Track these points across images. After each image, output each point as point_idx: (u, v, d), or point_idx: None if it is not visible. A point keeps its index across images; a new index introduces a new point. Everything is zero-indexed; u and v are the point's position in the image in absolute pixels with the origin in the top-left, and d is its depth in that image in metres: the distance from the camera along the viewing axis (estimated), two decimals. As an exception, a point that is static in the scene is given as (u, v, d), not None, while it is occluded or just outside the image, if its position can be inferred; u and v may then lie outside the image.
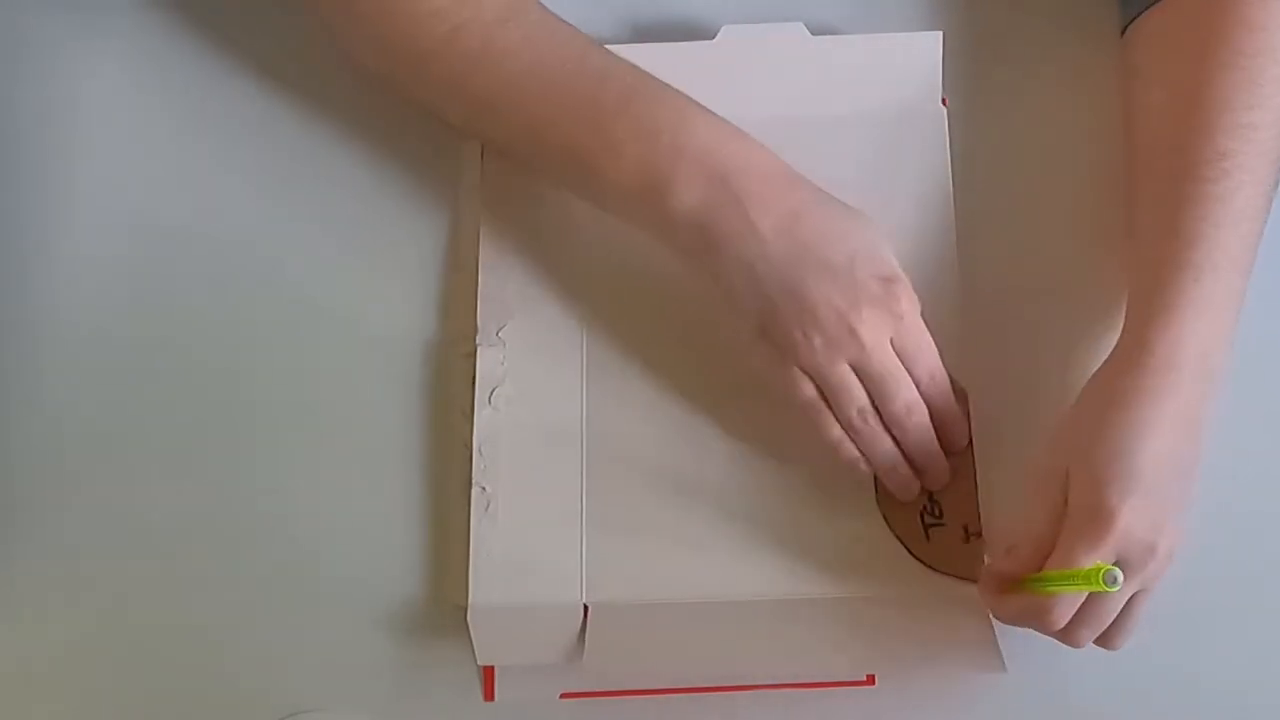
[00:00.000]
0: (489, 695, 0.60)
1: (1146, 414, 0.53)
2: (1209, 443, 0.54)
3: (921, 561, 0.59)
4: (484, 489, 0.61)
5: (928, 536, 0.59)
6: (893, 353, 0.56)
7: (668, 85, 0.59)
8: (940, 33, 0.65)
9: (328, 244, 0.66)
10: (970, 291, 0.62)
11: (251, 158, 0.67)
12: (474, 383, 0.62)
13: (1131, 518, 0.51)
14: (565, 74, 0.59)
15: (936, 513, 0.60)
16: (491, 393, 0.62)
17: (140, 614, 0.61)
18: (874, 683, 0.59)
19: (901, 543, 0.59)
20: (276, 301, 0.65)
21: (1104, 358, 0.58)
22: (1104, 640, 0.54)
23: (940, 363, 0.58)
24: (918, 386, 0.57)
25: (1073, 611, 0.52)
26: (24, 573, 0.61)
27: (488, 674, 0.60)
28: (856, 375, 0.56)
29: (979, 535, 0.59)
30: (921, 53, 0.65)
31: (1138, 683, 0.58)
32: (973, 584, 0.57)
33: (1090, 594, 0.52)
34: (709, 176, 0.56)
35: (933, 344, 0.57)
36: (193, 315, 0.65)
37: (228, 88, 0.68)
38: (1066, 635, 0.53)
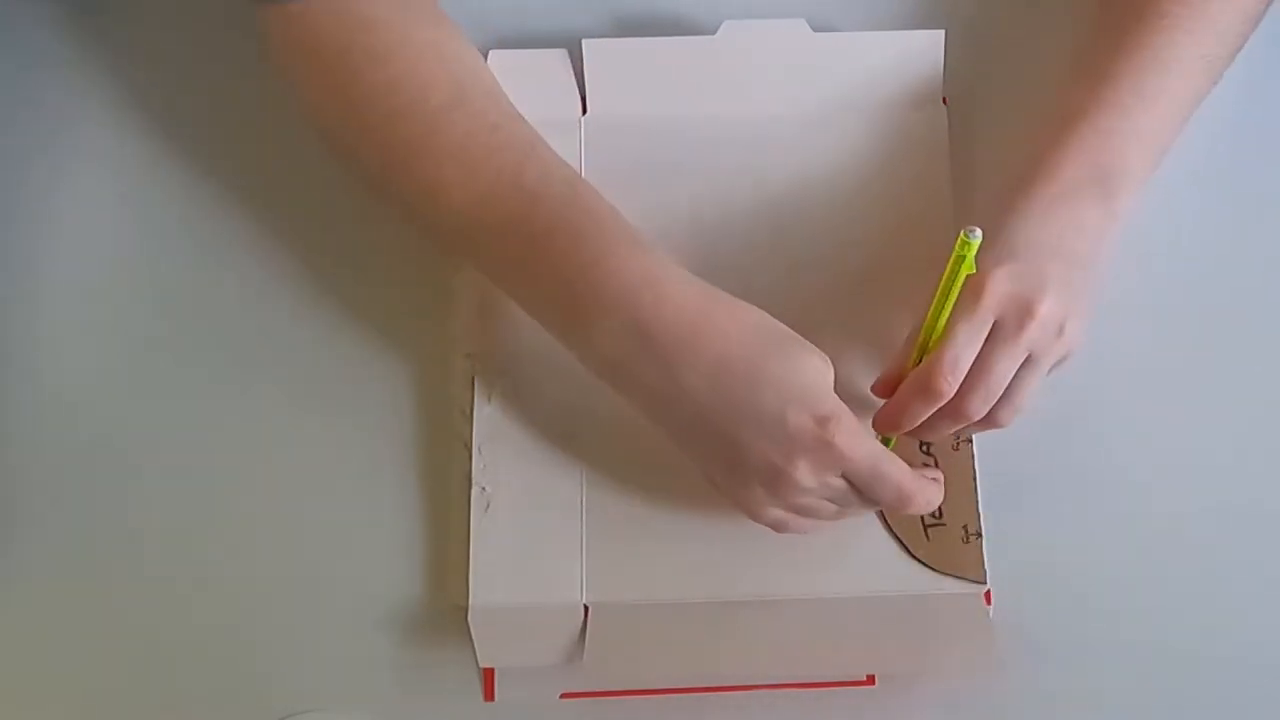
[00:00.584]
0: (489, 695, 0.60)
1: (1022, 204, 0.56)
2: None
3: (921, 562, 0.59)
4: (484, 489, 0.60)
5: (928, 537, 0.60)
6: (843, 483, 0.54)
7: (598, 209, 0.57)
8: (942, 31, 0.65)
9: (327, 244, 0.65)
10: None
11: (249, 158, 0.66)
12: (474, 382, 0.62)
13: (1004, 281, 0.54)
14: (499, 187, 0.56)
15: (937, 513, 0.60)
16: (492, 392, 0.62)
17: (140, 614, 0.60)
18: (874, 683, 0.59)
19: (901, 543, 0.60)
20: (276, 303, 0.64)
21: (1103, 354, 0.59)
22: (993, 415, 0.55)
23: (904, 482, 0.54)
24: (884, 501, 0.55)
25: (956, 367, 0.53)
26: (24, 573, 0.61)
27: (488, 674, 0.60)
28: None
29: (979, 535, 0.60)
30: (923, 51, 0.65)
31: (1136, 681, 0.59)
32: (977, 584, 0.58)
33: (980, 357, 0.54)
34: (627, 329, 0.54)
35: (888, 467, 0.54)
36: (192, 317, 0.64)
37: (225, 94, 0.68)
38: (958, 404, 0.54)
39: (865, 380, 0.59)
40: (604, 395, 0.60)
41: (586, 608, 0.58)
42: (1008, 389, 0.55)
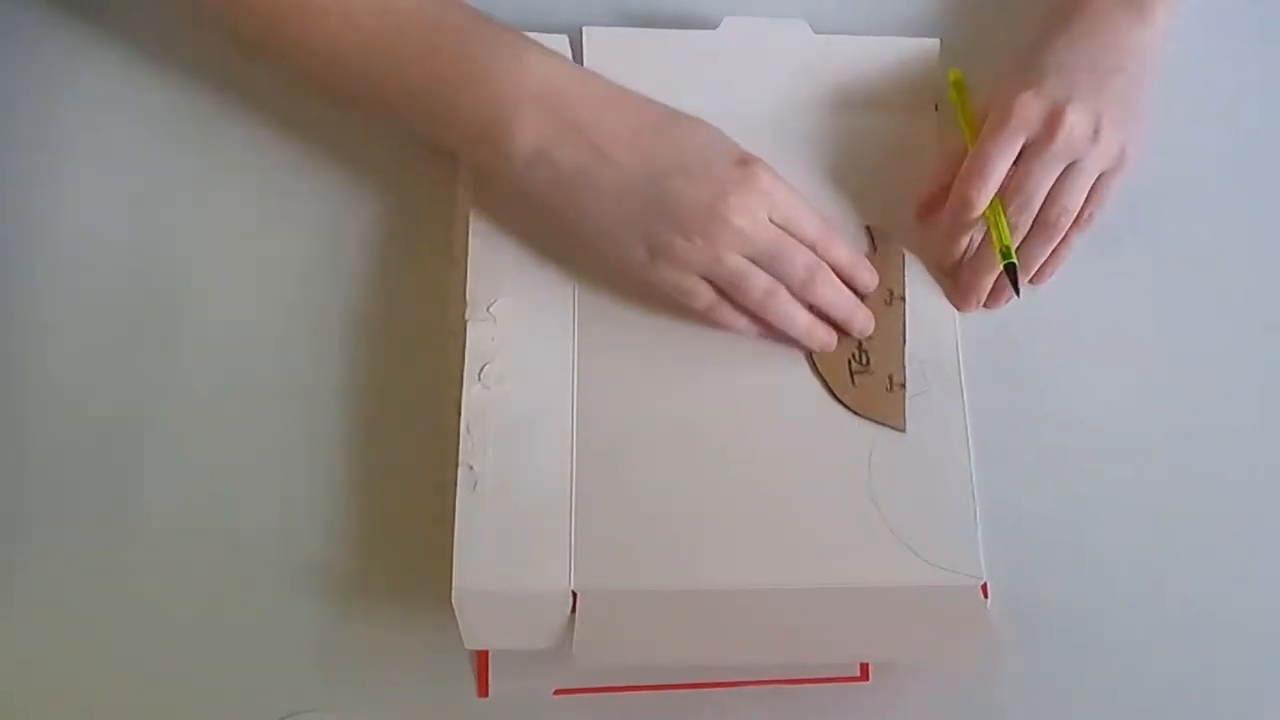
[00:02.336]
0: (483, 692, 0.57)
1: (1052, 35, 0.59)
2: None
3: (845, 406, 0.60)
4: (471, 468, 0.58)
5: (854, 383, 0.61)
6: (773, 227, 0.58)
7: (503, 26, 0.60)
8: (938, 40, 0.67)
9: (317, 231, 0.64)
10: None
11: (242, 146, 0.65)
12: (463, 364, 0.59)
13: (1031, 100, 0.57)
14: (406, 23, 0.59)
15: (864, 361, 0.61)
16: (481, 369, 0.60)
17: (139, 614, 0.58)
18: (868, 677, 0.58)
19: (827, 387, 0.60)
20: (263, 291, 0.63)
21: (1098, 358, 0.61)
22: (1053, 225, 0.60)
23: (822, 219, 0.59)
24: (812, 240, 0.59)
25: (984, 175, 0.58)
26: (23, 573, 0.58)
27: (481, 670, 0.57)
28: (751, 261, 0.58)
29: (903, 386, 0.61)
30: (918, 58, 0.67)
31: (1135, 675, 0.59)
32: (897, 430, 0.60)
33: (1014, 171, 0.59)
34: (547, 113, 0.57)
35: (808, 204, 0.59)
36: (185, 307, 0.62)
37: (214, 80, 0.66)
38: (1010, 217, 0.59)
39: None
40: (596, 375, 0.60)
41: (575, 594, 0.56)
42: (1058, 194, 0.59)
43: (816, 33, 0.66)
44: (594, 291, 0.62)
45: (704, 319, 0.60)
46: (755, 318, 0.60)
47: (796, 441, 0.60)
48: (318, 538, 0.59)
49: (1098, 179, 0.60)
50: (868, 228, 0.64)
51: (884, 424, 0.60)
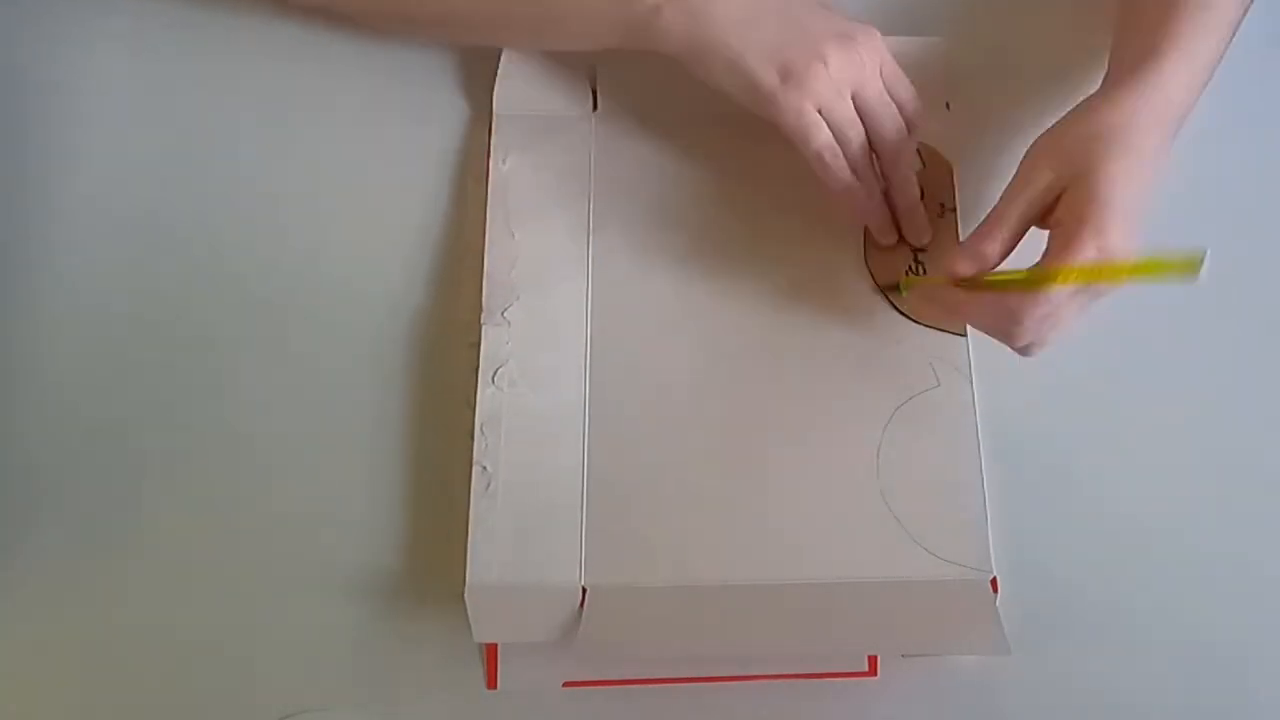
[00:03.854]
0: (491, 684, 0.58)
1: (1124, 165, 0.56)
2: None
3: (902, 313, 0.62)
4: (485, 468, 0.60)
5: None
6: (881, 81, 0.62)
7: None
8: (941, 39, 0.67)
9: (330, 229, 0.65)
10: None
11: (255, 146, 0.67)
12: (477, 366, 0.61)
13: (1111, 242, 0.55)
14: None
15: (920, 271, 0.63)
16: (495, 372, 0.61)
17: (139, 614, 0.59)
18: (875, 672, 0.58)
19: (884, 295, 0.63)
20: (276, 290, 0.64)
21: (1110, 348, 0.61)
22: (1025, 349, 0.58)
23: (915, 94, 0.63)
24: (903, 110, 0.62)
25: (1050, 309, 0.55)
26: (23, 573, 0.60)
27: (490, 662, 0.59)
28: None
29: None
30: (926, 57, 0.67)
31: (1146, 671, 0.58)
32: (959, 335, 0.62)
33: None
34: None
35: (903, 75, 0.63)
36: (193, 303, 0.64)
37: (224, 79, 0.68)
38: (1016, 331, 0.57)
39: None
40: (607, 378, 0.61)
41: (585, 589, 0.58)
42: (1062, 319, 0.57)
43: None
44: (606, 295, 0.63)
45: (813, 164, 0.61)
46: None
47: (807, 437, 0.61)
48: (325, 534, 0.60)
49: None
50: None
51: (942, 330, 0.62)
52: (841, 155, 0.61)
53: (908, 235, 0.64)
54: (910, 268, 0.63)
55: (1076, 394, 0.62)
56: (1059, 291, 0.55)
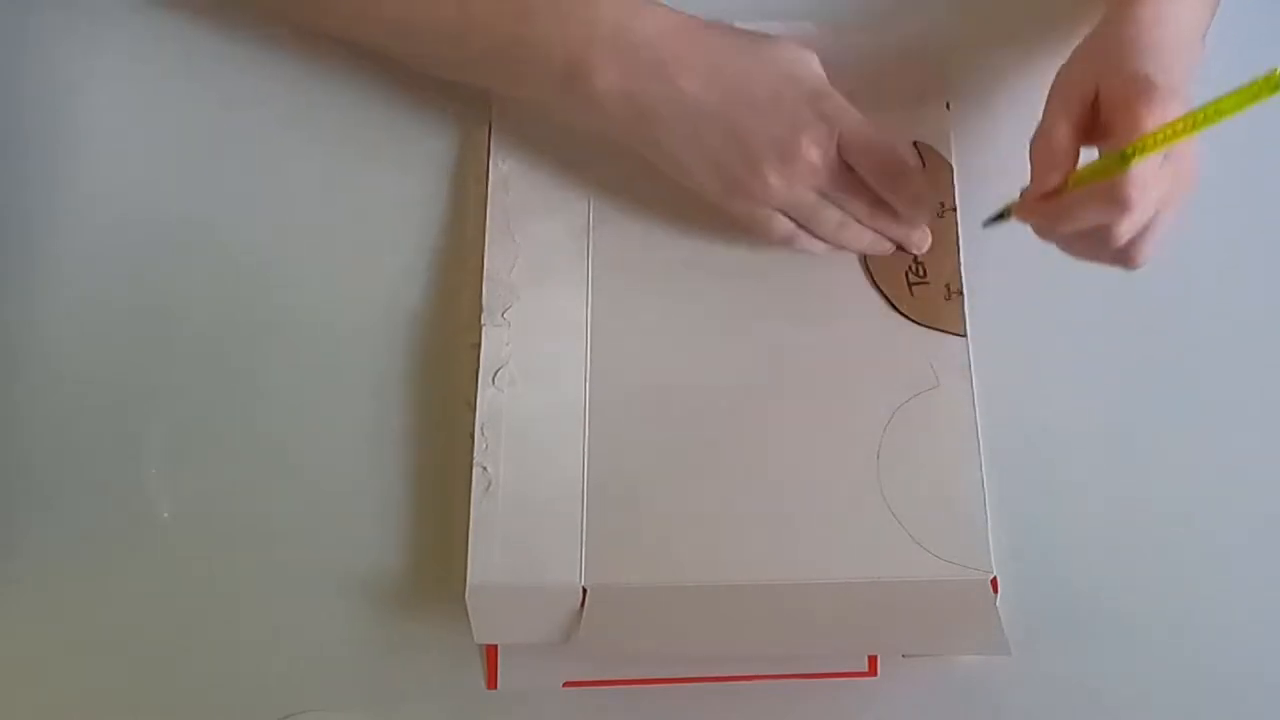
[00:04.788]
0: (491, 684, 0.59)
1: (1159, 35, 0.56)
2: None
3: (905, 316, 0.62)
4: (485, 469, 0.60)
5: (912, 293, 0.63)
6: (841, 163, 0.59)
7: None
8: (945, 39, 0.67)
9: (330, 229, 0.65)
10: (975, 295, 0.63)
11: (255, 146, 0.67)
12: (478, 370, 0.61)
13: (1153, 116, 0.51)
14: None
15: (921, 272, 0.63)
16: (495, 374, 0.61)
17: (139, 613, 0.59)
18: (875, 671, 0.58)
19: (886, 299, 0.63)
20: (278, 291, 0.64)
21: (1109, 352, 0.61)
22: (1134, 247, 0.54)
23: (891, 145, 0.60)
24: (875, 178, 0.60)
25: (1147, 187, 0.51)
26: (23, 573, 0.60)
27: (490, 662, 0.59)
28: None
29: (959, 293, 0.62)
30: (928, 57, 0.67)
31: (1146, 671, 0.58)
32: (956, 336, 0.62)
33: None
34: (624, 50, 0.58)
35: (874, 133, 0.59)
36: (192, 306, 0.64)
37: (225, 77, 0.68)
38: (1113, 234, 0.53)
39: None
40: (608, 379, 0.61)
41: (585, 589, 0.58)
42: (1152, 224, 0.54)
43: (823, 34, 0.67)
44: (607, 296, 0.63)
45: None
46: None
47: (807, 436, 0.61)
48: (325, 534, 0.60)
49: None
50: (915, 143, 0.65)
51: (944, 331, 0.62)
52: (804, 236, 0.61)
53: (909, 249, 0.63)
54: (911, 268, 0.63)
55: (1076, 394, 0.62)
56: (1150, 164, 0.51)
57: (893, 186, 0.60)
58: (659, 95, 0.59)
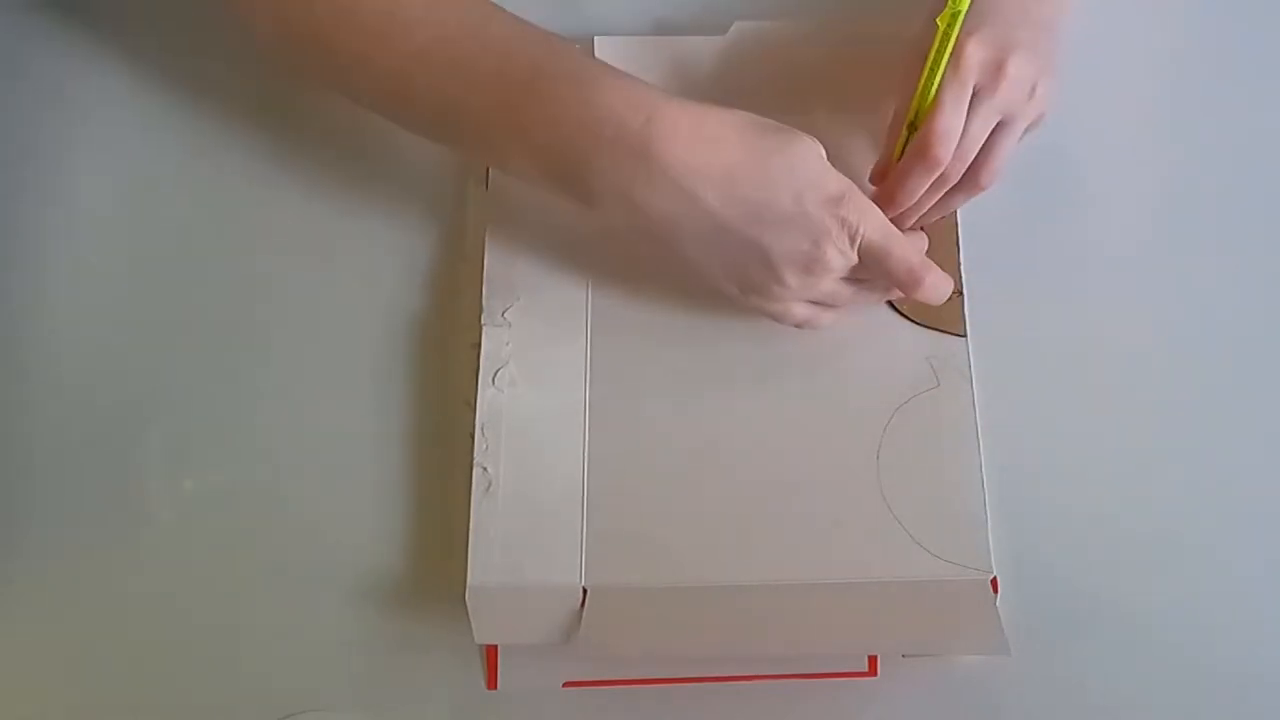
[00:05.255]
0: (491, 684, 0.59)
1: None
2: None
3: (905, 316, 0.62)
4: (485, 469, 0.60)
5: None
6: (857, 259, 0.57)
7: (569, 49, 0.58)
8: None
9: (331, 230, 0.66)
10: (975, 295, 0.63)
11: (256, 145, 0.67)
12: (478, 370, 0.61)
13: (977, 46, 0.56)
14: (471, 49, 0.57)
15: None
16: (495, 373, 0.61)
17: (139, 613, 0.59)
18: (875, 672, 0.58)
19: (887, 301, 0.63)
20: (278, 291, 0.65)
21: (1109, 352, 0.60)
22: (973, 177, 0.58)
23: (907, 247, 0.57)
24: (894, 282, 0.58)
25: (949, 133, 0.55)
26: (23, 573, 0.60)
27: (490, 662, 0.59)
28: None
29: (959, 293, 0.62)
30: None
31: (1146, 671, 0.58)
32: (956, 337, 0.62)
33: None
34: (629, 154, 0.54)
35: (895, 236, 0.56)
36: (193, 307, 0.64)
37: (226, 76, 0.68)
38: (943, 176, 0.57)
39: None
40: (608, 378, 0.61)
41: (585, 590, 0.58)
42: (986, 151, 0.58)
43: (824, 34, 0.67)
44: (607, 296, 0.63)
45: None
46: None
47: (807, 438, 0.61)
48: (326, 535, 0.60)
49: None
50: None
51: (944, 331, 0.62)
52: (820, 315, 0.60)
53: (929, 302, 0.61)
54: None
55: (1076, 394, 0.62)
56: (945, 115, 0.55)
57: (912, 287, 0.58)
58: (669, 204, 0.55)
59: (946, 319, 0.62)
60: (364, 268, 0.65)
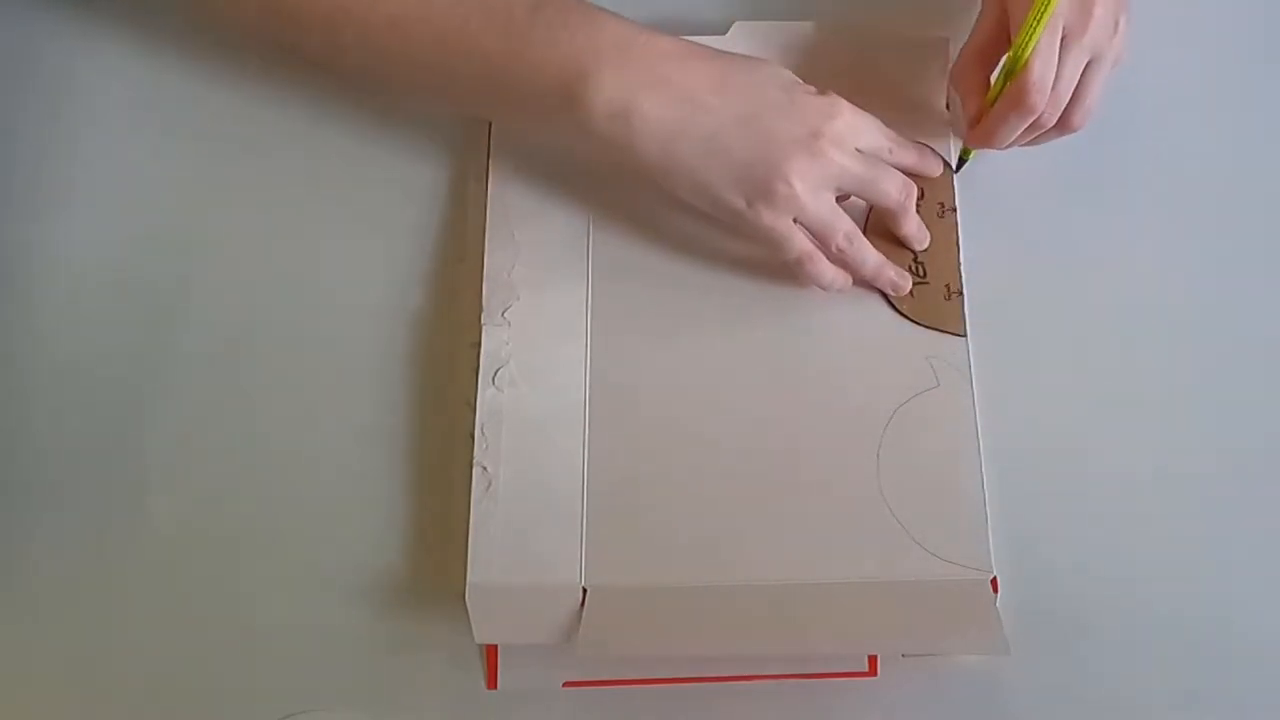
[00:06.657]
0: (491, 683, 0.59)
1: None
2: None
3: (905, 316, 0.62)
4: (485, 469, 0.60)
5: (912, 293, 0.63)
6: (863, 155, 0.60)
7: None
8: (946, 38, 0.67)
9: (331, 229, 0.65)
10: (975, 295, 0.63)
11: (255, 146, 0.67)
12: (478, 370, 0.61)
13: None
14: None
15: (921, 273, 0.63)
16: (495, 373, 0.61)
17: (140, 613, 0.59)
18: (875, 672, 0.58)
19: (886, 299, 0.63)
20: (278, 291, 0.64)
21: (1110, 352, 0.60)
22: (1067, 119, 0.61)
23: (889, 132, 0.61)
24: (890, 157, 0.61)
25: (1046, 82, 0.58)
26: (23, 573, 0.60)
27: (490, 662, 0.59)
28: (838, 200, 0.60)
29: (959, 293, 0.63)
30: (929, 56, 0.67)
31: (1147, 671, 0.58)
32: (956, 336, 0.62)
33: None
34: (627, 67, 0.57)
35: (877, 122, 0.61)
36: (193, 307, 0.64)
37: (227, 76, 0.68)
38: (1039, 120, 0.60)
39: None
40: (608, 378, 0.61)
41: (585, 590, 0.58)
42: (1078, 92, 0.60)
43: (825, 34, 0.67)
44: (607, 295, 0.63)
45: (792, 270, 0.61)
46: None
47: (807, 438, 0.61)
48: (326, 534, 0.60)
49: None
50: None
51: (944, 331, 0.62)
52: (819, 258, 0.60)
53: (912, 247, 0.64)
54: (910, 267, 0.63)
55: (1076, 394, 0.62)
56: (1041, 60, 0.58)
57: (904, 157, 0.61)
58: (671, 109, 0.57)
59: (946, 319, 0.62)
60: (364, 267, 0.65)
